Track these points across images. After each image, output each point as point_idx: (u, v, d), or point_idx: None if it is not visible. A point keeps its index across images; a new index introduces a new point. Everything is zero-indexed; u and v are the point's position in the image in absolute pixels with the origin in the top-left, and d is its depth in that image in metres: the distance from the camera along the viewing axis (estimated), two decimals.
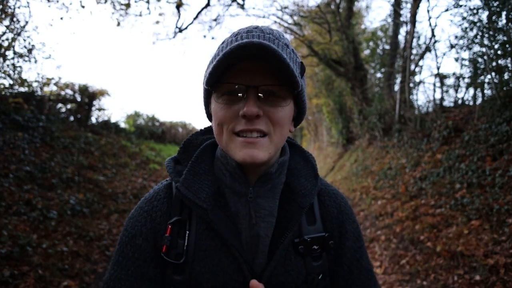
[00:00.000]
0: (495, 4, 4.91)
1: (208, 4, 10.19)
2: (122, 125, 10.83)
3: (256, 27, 0.60)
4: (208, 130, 0.76)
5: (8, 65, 6.01)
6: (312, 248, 0.64)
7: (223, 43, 0.61)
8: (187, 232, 0.62)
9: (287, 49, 0.59)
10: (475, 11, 5.37)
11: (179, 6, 8.68)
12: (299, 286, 0.62)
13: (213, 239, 0.61)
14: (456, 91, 6.94)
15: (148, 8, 8.37)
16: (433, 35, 7.03)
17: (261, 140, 0.58)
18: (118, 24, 8.23)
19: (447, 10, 6.30)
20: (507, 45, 4.83)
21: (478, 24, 5.38)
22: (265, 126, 0.57)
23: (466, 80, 6.48)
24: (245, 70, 0.56)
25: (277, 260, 0.61)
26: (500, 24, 5.02)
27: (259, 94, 0.57)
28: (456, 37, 6.20)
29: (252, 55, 0.53)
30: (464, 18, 5.65)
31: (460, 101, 6.84)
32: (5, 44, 5.73)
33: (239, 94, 0.57)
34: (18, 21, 5.91)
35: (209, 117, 0.68)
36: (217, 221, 0.60)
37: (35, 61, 6.49)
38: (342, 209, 0.71)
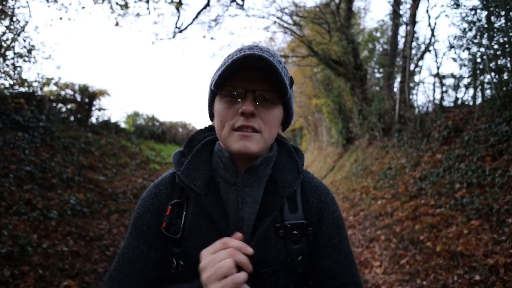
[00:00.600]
0: (494, 4, 4.92)
1: (207, 5, 10.19)
2: (122, 125, 10.83)
3: (256, 45, 0.73)
4: (210, 128, 0.87)
5: (8, 65, 6.01)
6: (292, 233, 0.74)
7: (228, 56, 0.74)
8: (184, 213, 0.75)
9: (280, 65, 0.72)
10: (473, 11, 5.37)
11: (178, 6, 8.68)
12: (279, 264, 0.73)
13: (205, 220, 0.73)
14: (456, 91, 6.95)
15: (147, 8, 8.36)
16: (432, 35, 7.04)
17: (254, 135, 0.69)
18: (117, 24, 8.22)
19: (445, 13, 6.31)
20: (506, 45, 4.83)
21: (477, 24, 5.39)
22: (258, 125, 0.70)
23: (466, 80, 6.49)
24: (246, 77, 0.69)
25: (257, 239, 0.71)
26: (498, 24, 5.02)
27: (255, 96, 0.69)
28: (455, 37, 6.21)
29: (252, 65, 0.66)
30: (463, 19, 5.67)
31: (459, 101, 6.85)
32: (5, 44, 5.73)
33: (239, 98, 0.70)
34: (18, 21, 5.91)
35: (211, 116, 0.81)
36: (208, 205, 0.72)
37: (35, 61, 6.49)
38: (322, 199, 0.80)
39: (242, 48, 0.73)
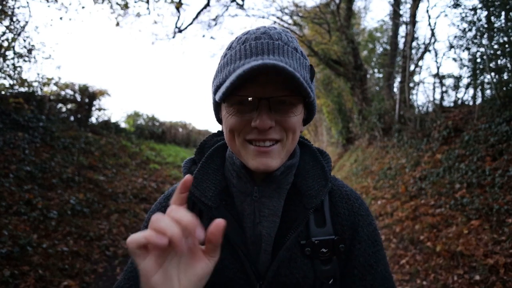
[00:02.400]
0: (494, 4, 4.92)
1: (207, 5, 10.19)
2: (122, 125, 10.83)
3: (264, 32, 0.60)
4: (222, 132, 0.76)
5: (8, 65, 6.01)
6: (320, 251, 0.63)
7: (230, 48, 0.61)
8: None
9: (296, 54, 0.59)
10: (473, 11, 5.38)
11: (178, 6, 8.68)
12: None
13: None
14: (456, 91, 6.95)
15: (147, 8, 8.36)
16: (432, 35, 7.04)
17: (273, 148, 0.59)
18: (117, 24, 8.22)
19: (445, 13, 6.33)
20: (506, 45, 4.83)
21: (477, 24, 5.39)
22: (277, 134, 0.59)
23: (466, 80, 6.50)
24: (256, 82, 0.56)
25: (280, 260, 0.61)
26: (498, 24, 5.02)
27: (270, 103, 0.57)
28: (455, 37, 6.22)
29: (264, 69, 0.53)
30: (463, 19, 5.67)
31: (459, 101, 6.86)
32: (5, 44, 5.73)
33: (250, 107, 0.58)
34: (18, 21, 5.91)
35: (219, 120, 0.69)
36: (221, 218, 0.61)
37: (35, 61, 6.50)
38: (355, 210, 0.69)
39: (247, 38, 0.59)
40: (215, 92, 0.62)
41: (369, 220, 0.69)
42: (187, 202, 0.63)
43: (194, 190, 0.64)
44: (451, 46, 6.40)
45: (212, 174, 0.67)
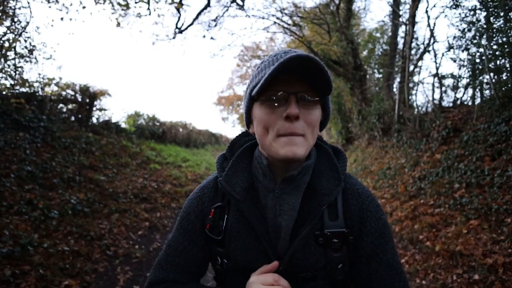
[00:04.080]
0: (493, 5, 4.93)
1: (208, 5, 10.21)
2: (123, 125, 10.81)
3: (290, 50, 0.72)
4: (249, 133, 0.87)
5: (9, 66, 6.02)
6: (332, 241, 0.73)
7: (263, 62, 0.74)
8: (226, 216, 0.78)
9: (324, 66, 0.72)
10: (472, 12, 5.39)
11: (179, 7, 8.69)
12: (318, 271, 0.73)
13: (244, 224, 0.76)
14: (455, 91, 6.97)
15: (148, 8, 8.37)
16: (432, 36, 7.06)
17: (300, 139, 0.68)
18: (118, 24, 8.24)
19: (444, 13, 6.35)
20: (505, 46, 4.85)
21: (476, 24, 5.40)
22: (301, 128, 0.68)
23: (465, 81, 6.52)
24: (285, 81, 0.68)
25: (296, 246, 0.72)
26: (497, 24, 5.04)
27: (298, 98, 0.68)
28: (454, 37, 6.23)
29: (297, 66, 0.64)
30: (462, 19, 5.68)
31: (459, 101, 6.87)
32: (6, 44, 5.75)
33: (281, 102, 0.68)
34: (19, 22, 5.92)
35: (248, 123, 0.81)
36: (247, 210, 0.74)
37: (36, 62, 6.49)
38: (364, 207, 0.76)
39: (277, 53, 0.73)
40: (250, 92, 0.72)
41: (378, 215, 0.76)
42: (219, 192, 0.82)
43: (225, 185, 0.75)
44: (450, 47, 6.42)
45: (241, 171, 0.78)
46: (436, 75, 7.03)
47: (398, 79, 9.20)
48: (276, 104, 0.69)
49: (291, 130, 0.67)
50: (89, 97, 8.78)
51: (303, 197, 0.75)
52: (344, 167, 0.79)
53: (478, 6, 5.31)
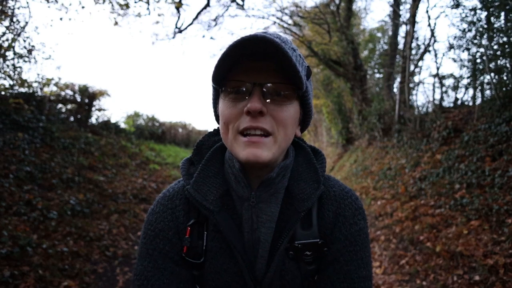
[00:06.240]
0: (493, 5, 4.92)
1: (208, 5, 10.20)
2: (122, 125, 10.82)
3: (262, 32, 0.61)
4: (218, 132, 0.76)
5: (8, 66, 6.01)
6: (304, 254, 0.62)
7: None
8: (205, 232, 0.65)
9: (294, 53, 0.59)
10: (473, 12, 5.38)
11: (178, 6, 8.68)
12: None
13: (219, 241, 0.64)
14: (456, 91, 6.96)
15: (147, 8, 8.35)
16: (432, 36, 7.05)
17: (264, 139, 0.57)
18: (116, 23, 8.21)
19: (444, 13, 6.33)
20: (506, 46, 4.84)
21: (477, 24, 5.39)
22: (269, 125, 0.57)
23: (466, 81, 6.50)
24: (250, 69, 0.57)
25: (275, 265, 0.61)
26: (498, 24, 5.03)
27: (264, 90, 0.57)
28: (455, 37, 6.22)
29: (257, 51, 0.54)
30: (462, 19, 5.67)
31: (459, 102, 6.86)
32: (5, 44, 5.73)
33: (245, 95, 0.58)
34: (18, 22, 5.91)
35: (217, 118, 0.70)
36: (222, 223, 0.62)
37: (35, 62, 6.49)
38: (339, 211, 0.66)
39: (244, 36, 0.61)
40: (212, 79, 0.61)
41: (353, 221, 0.65)
42: (193, 206, 0.66)
43: (194, 193, 0.62)
44: (451, 47, 6.41)
45: (213, 177, 0.65)
46: (436, 75, 7.02)
47: (398, 79, 9.19)
48: (240, 96, 0.58)
49: (253, 127, 0.56)
50: (88, 97, 8.78)
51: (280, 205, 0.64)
52: (323, 169, 0.69)
53: (479, 6, 5.29)
